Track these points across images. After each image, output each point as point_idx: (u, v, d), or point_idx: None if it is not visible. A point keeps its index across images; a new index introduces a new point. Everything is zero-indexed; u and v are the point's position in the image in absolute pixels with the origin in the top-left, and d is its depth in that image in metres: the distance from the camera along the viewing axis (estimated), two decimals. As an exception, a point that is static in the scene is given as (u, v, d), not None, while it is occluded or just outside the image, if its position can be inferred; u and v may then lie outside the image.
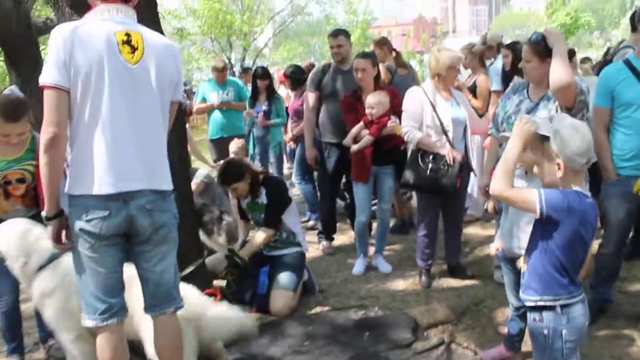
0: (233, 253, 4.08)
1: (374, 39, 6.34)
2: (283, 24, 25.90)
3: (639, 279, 4.17)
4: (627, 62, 3.34)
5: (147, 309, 2.56)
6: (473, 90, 5.73)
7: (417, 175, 4.12)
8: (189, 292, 2.94)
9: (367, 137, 4.40)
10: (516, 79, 4.54)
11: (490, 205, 4.13)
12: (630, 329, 3.49)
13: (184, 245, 3.01)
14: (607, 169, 3.34)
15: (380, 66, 5.00)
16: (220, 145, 6.69)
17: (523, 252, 2.42)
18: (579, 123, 2.20)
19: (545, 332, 2.25)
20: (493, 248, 3.13)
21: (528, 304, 2.30)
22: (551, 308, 2.22)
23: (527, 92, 3.24)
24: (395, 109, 4.40)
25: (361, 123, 4.44)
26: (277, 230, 4.15)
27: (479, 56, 5.91)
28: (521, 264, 2.42)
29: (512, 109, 3.25)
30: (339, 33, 5.18)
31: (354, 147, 4.47)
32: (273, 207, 4.13)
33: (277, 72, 24.83)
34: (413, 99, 4.17)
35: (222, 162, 4.72)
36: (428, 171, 4.05)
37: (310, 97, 5.22)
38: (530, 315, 2.32)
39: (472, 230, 5.57)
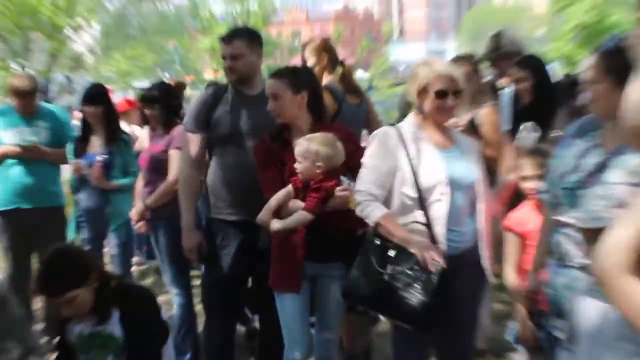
0: None
1: (307, 42, 6.25)
2: (120, 16, 26.06)
3: None
4: None
5: None
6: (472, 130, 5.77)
7: (367, 282, 4.05)
8: None
9: (299, 214, 4.29)
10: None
11: (526, 332, 4.05)
12: None
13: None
14: None
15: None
16: (16, 222, 6.42)
17: None
18: None
19: None
20: None
21: None
22: None
23: (599, 137, 3.32)
24: (349, 164, 4.38)
25: (289, 188, 4.37)
26: None
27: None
28: None
29: (572, 163, 3.33)
30: (235, 35, 5.18)
31: (276, 226, 4.34)
32: (138, 348, 3.85)
33: (112, 96, 24.77)
34: (380, 148, 4.14)
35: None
36: (385, 277, 3.96)
37: (191, 141, 5.16)
38: None
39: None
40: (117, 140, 6.54)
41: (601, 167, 3.16)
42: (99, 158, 6.38)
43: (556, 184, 3.44)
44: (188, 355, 5.91)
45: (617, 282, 2.08)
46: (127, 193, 6.61)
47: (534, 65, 6.03)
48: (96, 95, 6.62)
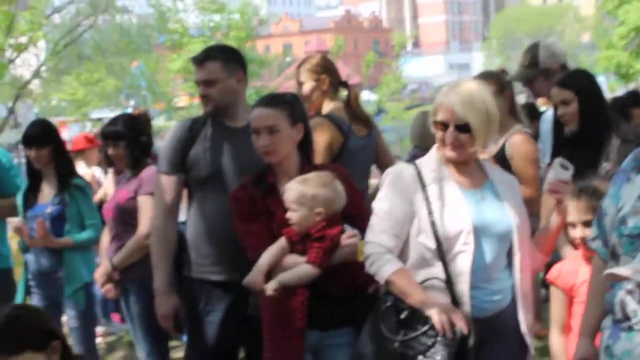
0: None
1: (303, 61, 6.22)
2: (70, 30, 25.90)
3: None
4: None
5: None
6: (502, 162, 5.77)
7: (377, 352, 4.08)
8: None
9: (302, 268, 4.29)
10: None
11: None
12: None
13: None
14: None
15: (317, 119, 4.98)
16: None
17: None
18: None
19: None
20: None
21: None
22: None
23: None
24: (352, 211, 4.42)
25: (281, 242, 4.36)
26: None
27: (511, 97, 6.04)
28: None
29: (631, 203, 3.32)
30: (209, 56, 5.15)
31: (272, 287, 4.30)
32: None
33: (60, 130, 24.75)
34: (394, 190, 4.16)
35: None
36: (396, 344, 3.97)
37: (166, 186, 5.15)
38: None
39: None
40: (69, 187, 6.50)
41: None
42: (48, 210, 6.41)
43: (611, 229, 3.39)
44: None
45: None
46: (85, 251, 6.59)
47: (581, 84, 5.86)
48: (40, 134, 6.57)
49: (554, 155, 5.57)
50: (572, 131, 5.83)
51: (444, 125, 4.02)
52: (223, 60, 5.02)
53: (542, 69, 6.50)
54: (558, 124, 5.93)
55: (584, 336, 3.69)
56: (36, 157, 6.46)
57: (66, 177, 6.55)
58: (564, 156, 4.83)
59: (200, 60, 5.04)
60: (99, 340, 8.91)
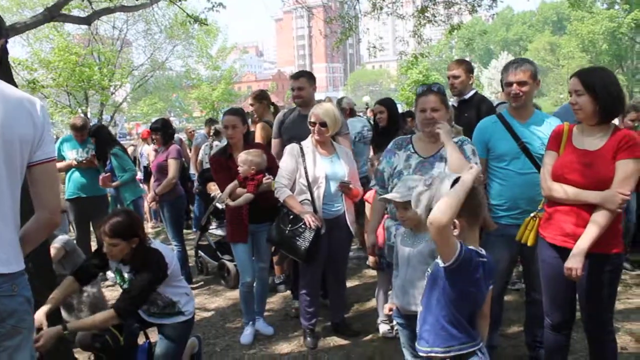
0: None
1: (253, 93, 6.04)
2: (143, 78, 25.16)
3: (514, 321, 4.30)
4: (500, 116, 3.50)
5: None
6: None
7: (278, 233, 4.04)
8: None
9: (246, 195, 4.20)
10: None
11: (371, 260, 4.12)
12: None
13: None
14: (486, 220, 3.41)
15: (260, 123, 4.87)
16: (78, 205, 6.20)
17: (418, 308, 2.41)
18: None
19: None
20: (387, 308, 3.05)
21: (422, 354, 2.30)
22: None
23: (413, 147, 3.30)
24: (270, 166, 4.30)
25: (235, 181, 4.26)
26: (122, 319, 3.37)
27: None
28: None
29: (401, 164, 3.26)
30: (301, 75, 4.84)
31: (232, 203, 4.24)
32: (131, 293, 3.29)
33: (136, 128, 23.93)
34: (287, 156, 4.10)
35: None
36: (287, 232, 3.96)
37: (275, 144, 4.91)
38: None
39: (351, 284, 5.49)
40: (109, 155, 6.22)
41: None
42: (107, 167, 6.25)
43: (390, 178, 3.32)
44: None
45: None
46: (129, 184, 6.33)
47: (388, 104, 5.97)
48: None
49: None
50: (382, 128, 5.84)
51: (314, 124, 4.00)
52: (309, 77, 4.81)
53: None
54: (376, 123, 5.97)
55: (371, 233, 3.59)
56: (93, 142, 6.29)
57: (105, 146, 6.24)
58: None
59: (297, 76, 4.81)
60: (150, 230, 8.90)
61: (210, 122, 9.58)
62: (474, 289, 2.21)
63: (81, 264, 3.65)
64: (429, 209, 2.18)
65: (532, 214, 3.15)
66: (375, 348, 4.09)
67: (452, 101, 4.69)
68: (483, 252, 2.20)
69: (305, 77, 4.78)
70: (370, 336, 4.30)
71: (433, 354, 2.24)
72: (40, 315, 3.04)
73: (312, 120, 4.03)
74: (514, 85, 3.35)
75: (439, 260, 2.19)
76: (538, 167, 3.23)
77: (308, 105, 4.62)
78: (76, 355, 3.73)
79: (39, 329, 2.99)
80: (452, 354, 2.21)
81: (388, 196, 2.90)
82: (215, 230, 6.25)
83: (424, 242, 2.73)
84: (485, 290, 2.28)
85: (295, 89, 4.76)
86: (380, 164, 3.46)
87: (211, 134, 8.96)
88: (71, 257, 4.73)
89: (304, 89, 4.73)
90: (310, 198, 3.98)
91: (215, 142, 8.49)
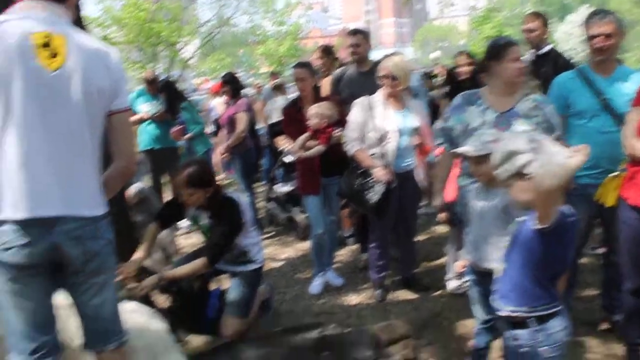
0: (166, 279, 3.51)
1: (319, 48, 5.96)
2: (209, 34, 25.45)
3: (589, 284, 4.18)
4: (580, 71, 3.34)
5: (86, 345, 2.27)
6: None
7: (347, 186, 4.03)
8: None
9: (318, 147, 4.23)
10: None
11: (441, 216, 4.06)
12: (589, 335, 3.48)
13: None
14: None
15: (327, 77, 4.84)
16: (152, 157, 6.40)
17: (492, 265, 2.38)
18: None
19: (522, 350, 2.19)
20: (459, 265, 3.02)
21: (502, 313, 2.25)
22: (526, 325, 2.17)
23: (485, 102, 3.15)
24: (340, 119, 4.27)
25: (307, 133, 4.27)
26: (211, 267, 3.53)
27: None
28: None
29: (476, 121, 3.12)
30: (357, 32, 4.74)
31: (304, 154, 4.27)
32: (216, 242, 3.43)
33: (205, 83, 24.39)
34: (356, 110, 4.04)
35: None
36: (356, 185, 3.95)
37: (332, 100, 4.83)
38: (506, 333, 2.27)
39: (420, 239, 5.44)
40: (179, 109, 6.38)
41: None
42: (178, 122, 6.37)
43: (463, 137, 3.11)
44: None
45: None
46: (200, 136, 6.52)
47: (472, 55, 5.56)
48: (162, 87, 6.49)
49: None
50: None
51: (385, 77, 3.92)
52: (364, 35, 4.71)
53: None
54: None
55: (440, 190, 3.52)
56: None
57: (176, 100, 6.41)
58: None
59: (353, 32, 4.73)
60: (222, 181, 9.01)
61: (273, 76, 9.59)
62: (564, 251, 2.14)
63: (159, 211, 3.80)
64: (519, 170, 2.06)
65: (613, 174, 3.02)
66: (443, 304, 4.09)
67: (528, 55, 4.51)
68: (572, 210, 2.11)
69: (361, 34, 4.71)
70: (439, 292, 4.30)
71: (516, 314, 2.19)
72: (134, 263, 3.36)
73: (383, 73, 3.95)
74: (598, 37, 3.16)
75: (526, 220, 2.10)
76: (621, 125, 3.04)
77: (364, 62, 4.61)
78: (155, 297, 3.91)
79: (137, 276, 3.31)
80: (535, 314, 2.16)
81: (461, 150, 2.79)
82: (283, 185, 6.32)
83: (498, 197, 2.66)
84: (572, 251, 2.22)
85: (352, 46, 4.68)
86: (447, 121, 3.32)
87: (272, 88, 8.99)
88: (145, 204, 4.94)
89: (360, 45, 4.66)
90: (380, 152, 3.94)
91: (280, 97, 8.52)
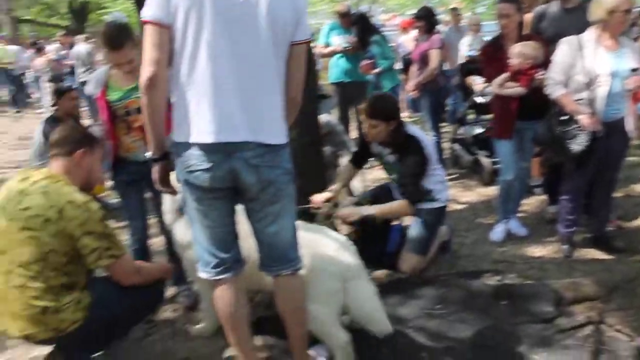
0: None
1: None
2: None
3: None
4: None
5: (262, 267, 2.44)
6: None
7: (547, 133, 3.79)
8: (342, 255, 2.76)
9: (517, 89, 4.02)
10: None
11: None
12: None
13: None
14: None
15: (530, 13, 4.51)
16: (341, 90, 6.52)
17: None
18: None
19: None
20: None
21: None
22: None
23: None
24: (545, 61, 3.97)
25: (507, 73, 4.05)
26: (415, 206, 3.57)
27: None
28: None
29: None
30: None
31: (504, 92, 4.09)
32: (410, 180, 3.49)
33: (392, 19, 24.03)
34: (563, 50, 3.73)
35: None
36: (558, 132, 3.68)
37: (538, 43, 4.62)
38: None
39: (618, 195, 4.95)
40: (369, 43, 6.27)
41: None
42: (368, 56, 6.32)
43: None
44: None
45: None
46: (389, 72, 6.42)
47: None
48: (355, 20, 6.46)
49: None
50: None
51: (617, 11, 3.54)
52: None
53: None
54: None
55: None
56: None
57: (366, 33, 6.32)
58: None
59: None
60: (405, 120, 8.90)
61: (453, 10, 9.12)
62: None
63: (354, 153, 3.98)
64: None
65: None
66: (639, 270, 3.75)
67: None
68: None
69: None
70: (634, 256, 3.95)
71: None
72: (323, 197, 3.67)
73: (619, 6, 3.54)
74: None
75: None
76: None
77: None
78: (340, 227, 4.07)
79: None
80: None
81: None
82: (472, 127, 6.13)
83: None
84: None
85: None
86: None
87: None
88: (331, 136, 5.10)
89: None
90: (588, 97, 3.64)
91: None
